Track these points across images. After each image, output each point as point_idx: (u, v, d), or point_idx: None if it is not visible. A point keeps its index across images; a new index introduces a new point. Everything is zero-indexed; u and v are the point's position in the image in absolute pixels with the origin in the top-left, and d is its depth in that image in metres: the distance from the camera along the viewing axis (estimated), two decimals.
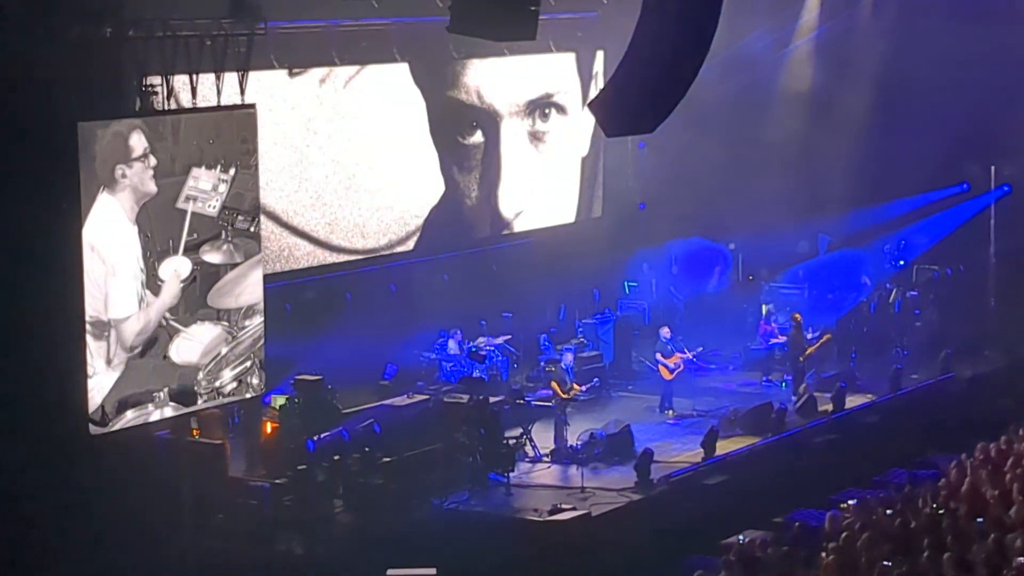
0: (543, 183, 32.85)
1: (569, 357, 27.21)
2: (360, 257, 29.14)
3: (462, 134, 31.53)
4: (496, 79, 31.62)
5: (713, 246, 33.30)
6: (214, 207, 20.77)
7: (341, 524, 22.38)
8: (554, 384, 26.06)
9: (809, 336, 28.91)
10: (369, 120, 29.11)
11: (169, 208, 20.26)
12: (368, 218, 29.44)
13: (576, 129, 33.28)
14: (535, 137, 32.66)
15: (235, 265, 21.28)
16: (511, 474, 23.94)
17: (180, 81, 20.83)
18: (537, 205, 32.75)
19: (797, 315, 29.13)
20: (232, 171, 20.96)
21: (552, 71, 32.60)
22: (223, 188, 20.84)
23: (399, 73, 29.66)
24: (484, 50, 29.21)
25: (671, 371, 27.69)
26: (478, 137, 31.74)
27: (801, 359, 28.43)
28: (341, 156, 28.75)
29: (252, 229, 21.48)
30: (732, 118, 32.42)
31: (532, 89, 32.46)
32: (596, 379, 27.76)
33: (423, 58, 29.63)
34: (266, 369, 22.09)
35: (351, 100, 28.78)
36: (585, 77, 33.16)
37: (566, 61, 32.78)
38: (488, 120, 31.85)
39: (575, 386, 26.20)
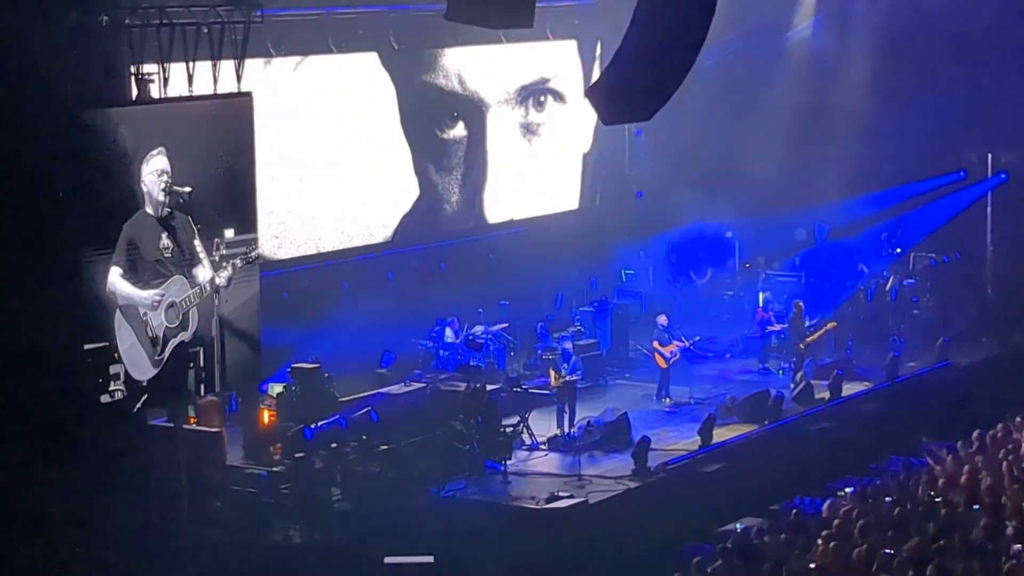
0: (537, 182, 31.84)
1: (569, 345, 27.21)
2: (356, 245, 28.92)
3: (440, 126, 29.57)
4: (482, 63, 30.04)
5: (710, 234, 33.28)
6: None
7: (338, 512, 22.38)
8: (552, 371, 26.14)
9: (807, 324, 28.91)
10: (325, 110, 27.05)
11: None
12: (324, 230, 27.57)
13: (576, 120, 32.24)
14: (528, 129, 31.39)
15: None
16: (508, 462, 23.96)
17: (176, 69, 20.77)
18: (530, 208, 31.80)
19: (799, 302, 29.14)
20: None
21: (549, 57, 31.85)
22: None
23: (363, 56, 27.76)
24: (482, 37, 29.01)
25: (667, 359, 27.68)
26: (460, 130, 29.98)
27: (802, 346, 28.44)
28: (290, 154, 26.08)
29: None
30: (729, 106, 32.39)
31: (525, 74, 31.25)
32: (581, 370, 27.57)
33: (419, 46, 29.10)
34: (263, 357, 22.06)
35: (303, 87, 26.55)
36: (588, 63, 32.24)
37: (566, 48, 32.18)
38: (472, 110, 30.05)
39: (563, 374, 26.09)
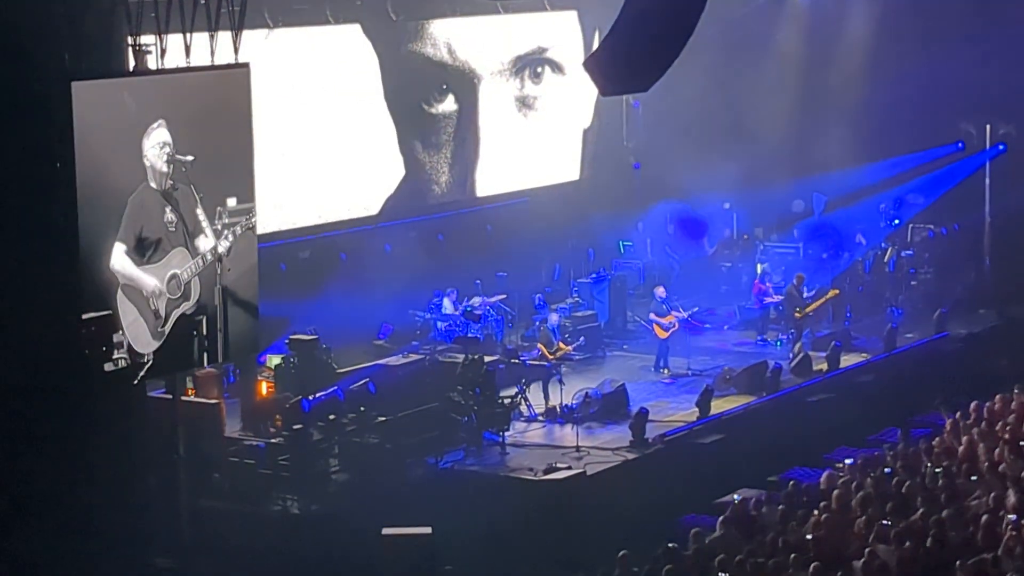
0: (534, 157, 31.32)
1: (554, 317, 27.19)
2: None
3: (428, 100, 28.60)
4: (473, 32, 29.08)
5: (708, 205, 33.24)
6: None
7: (336, 483, 22.42)
8: (540, 345, 26.15)
9: (805, 295, 28.90)
10: (299, 83, 26.00)
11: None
12: (301, 215, 26.81)
13: (575, 92, 31.58)
14: (524, 103, 30.75)
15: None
16: (506, 433, 23.98)
17: (174, 40, 20.68)
18: (526, 181, 31.31)
19: (801, 275, 29.15)
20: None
21: (547, 27, 31.40)
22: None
23: (345, 27, 26.58)
24: (479, 9, 28.84)
25: (666, 330, 27.70)
26: (449, 104, 29.05)
27: (798, 314, 28.43)
28: (261, 132, 22.48)
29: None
30: (727, 76, 32.35)
31: (521, 45, 30.50)
32: (582, 337, 27.71)
33: (417, 17, 28.77)
34: (261, 328, 22.04)
35: (273, 57, 24.92)
36: (588, 34, 31.57)
37: (565, 18, 31.69)
38: (463, 82, 29.13)
39: (561, 345, 26.21)
